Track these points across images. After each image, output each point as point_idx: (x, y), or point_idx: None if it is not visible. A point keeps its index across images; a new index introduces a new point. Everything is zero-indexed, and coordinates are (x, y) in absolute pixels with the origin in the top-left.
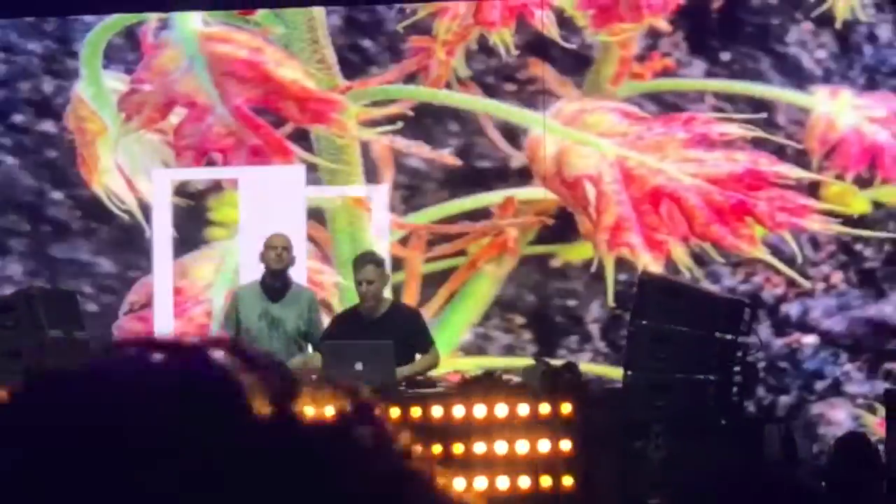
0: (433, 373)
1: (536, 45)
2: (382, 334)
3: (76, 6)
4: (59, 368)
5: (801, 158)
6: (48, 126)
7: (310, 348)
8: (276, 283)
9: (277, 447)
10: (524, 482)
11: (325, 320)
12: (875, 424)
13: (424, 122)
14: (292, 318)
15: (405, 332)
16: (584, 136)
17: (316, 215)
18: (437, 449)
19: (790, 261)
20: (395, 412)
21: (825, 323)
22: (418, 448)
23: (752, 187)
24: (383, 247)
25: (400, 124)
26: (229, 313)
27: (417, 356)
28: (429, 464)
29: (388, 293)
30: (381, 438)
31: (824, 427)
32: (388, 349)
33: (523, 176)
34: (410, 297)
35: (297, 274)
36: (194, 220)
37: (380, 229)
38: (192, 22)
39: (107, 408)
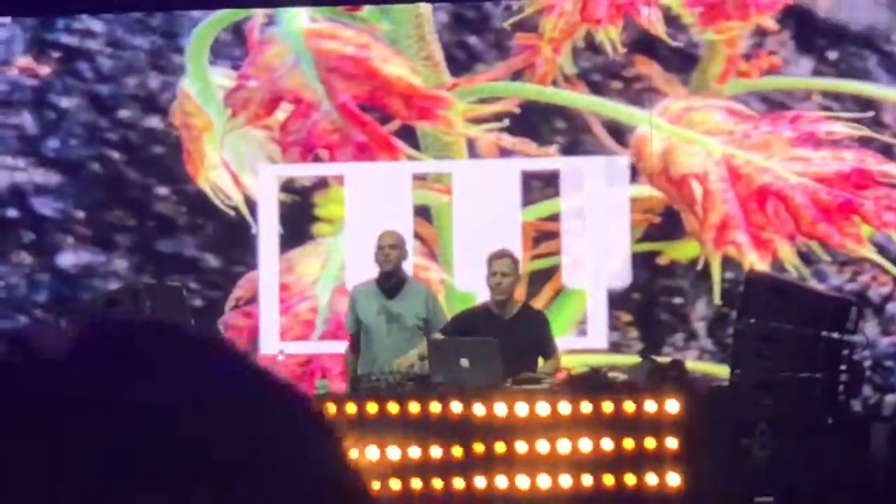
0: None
1: (643, 43)
2: (512, 335)
3: (182, 1)
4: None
5: None
6: (154, 122)
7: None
8: (389, 281)
9: None
10: (630, 480)
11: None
12: None
13: (531, 119)
14: (411, 312)
15: (534, 335)
16: (691, 135)
17: (422, 212)
18: (542, 445)
19: None
20: (501, 408)
21: None
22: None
23: (859, 186)
24: None
25: (506, 121)
26: (350, 313)
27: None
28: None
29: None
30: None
31: None
32: (493, 347)
33: (630, 173)
34: (516, 295)
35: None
36: (300, 216)
37: None
38: (299, 18)
39: None
